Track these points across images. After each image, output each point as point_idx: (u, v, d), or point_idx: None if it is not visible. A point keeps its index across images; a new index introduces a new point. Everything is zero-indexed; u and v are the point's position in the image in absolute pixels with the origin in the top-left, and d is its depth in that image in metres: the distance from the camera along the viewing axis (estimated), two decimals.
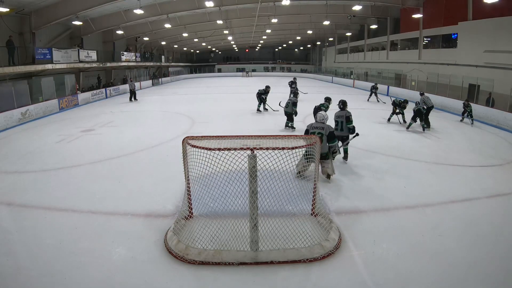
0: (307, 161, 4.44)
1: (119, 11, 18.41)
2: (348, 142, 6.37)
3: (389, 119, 10.81)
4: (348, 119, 6.21)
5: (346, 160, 6.53)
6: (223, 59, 50.03)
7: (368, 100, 16.48)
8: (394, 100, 10.66)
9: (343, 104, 6.50)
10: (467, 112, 10.81)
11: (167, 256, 3.45)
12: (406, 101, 10.45)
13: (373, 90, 16.39)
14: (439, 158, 6.87)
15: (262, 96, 12.67)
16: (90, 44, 19.62)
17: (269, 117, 11.70)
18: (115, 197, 4.96)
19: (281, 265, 3.29)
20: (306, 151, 4.41)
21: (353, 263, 3.35)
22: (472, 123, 10.65)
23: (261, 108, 12.89)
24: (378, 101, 16.07)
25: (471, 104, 10.97)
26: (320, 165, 5.09)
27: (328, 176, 5.46)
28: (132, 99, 17.52)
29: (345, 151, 6.55)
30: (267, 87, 12.84)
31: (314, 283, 3.08)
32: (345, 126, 6.23)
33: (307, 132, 5.55)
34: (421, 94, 10.62)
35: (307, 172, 5.17)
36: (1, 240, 3.81)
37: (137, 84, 25.02)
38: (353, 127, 6.23)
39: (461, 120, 11.23)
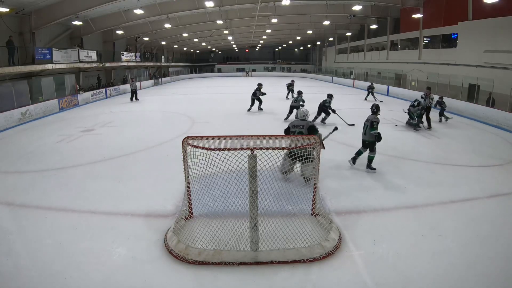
0: (293, 161, 4.39)
1: (119, 11, 18.40)
2: (327, 136, 6.17)
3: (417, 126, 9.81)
4: (372, 124, 5.79)
5: (374, 169, 6.06)
6: (223, 59, 50.02)
7: (365, 99, 16.70)
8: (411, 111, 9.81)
9: (376, 108, 6.02)
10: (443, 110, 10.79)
11: (167, 256, 3.45)
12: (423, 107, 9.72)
13: (370, 90, 16.66)
14: (439, 158, 6.87)
15: (256, 95, 12.72)
16: (90, 44, 19.61)
17: (269, 117, 11.70)
18: (115, 197, 4.96)
19: (281, 265, 3.29)
20: (290, 151, 4.31)
21: (353, 263, 3.35)
22: (446, 119, 10.76)
23: (256, 107, 12.98)
24: (375, 100, 16.22)
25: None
26: (301, 167, 4.95)
27: (306, 179, 4.86)
28: (133, 99, 17.54)
29: (370, 160, 6.06)
30: (259, 84, 12.92)
31: (314, 283, 3.08)
32: (369, 132, 5.87)
33: (287, 130, 5.46)
34: (428, 89, 10.33)
35: (292, 174, 5.03)
36: (1, 240, 3.81)
37: (137, 84, 25.10)
38: (378, 133, 5.81)
39: (444, 120, 10.80)
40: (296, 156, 4.16)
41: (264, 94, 12.85)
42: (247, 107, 13.01)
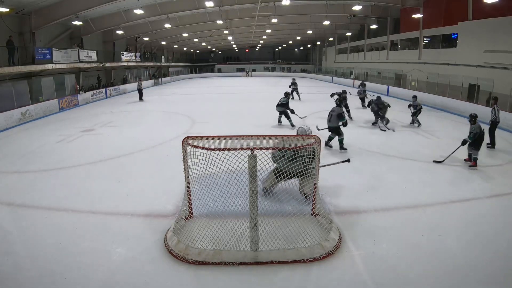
0: (277, 179, 4.13)
1: (119, 11, 18.39)
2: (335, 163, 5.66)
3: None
4: (339, 116, 7.16)
5: (346, 149, 7.34)
6: (223, 59, 49.99)
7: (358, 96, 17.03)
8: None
9: (339, 101, 7.61)
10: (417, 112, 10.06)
11: (167, 256, 3.45)
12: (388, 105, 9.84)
13: (361, 87, 16.78)
14: (439, 158, 6.87)
15: (285, 107, 9.85)
16: (90, 44, 19.61)
17: (269, 118, 11.68)
18: (115, 197, 4.96)
19: (281, 265, 3.29)
20: (276, 168, 4.08)
21: (353, 263, 3.35)
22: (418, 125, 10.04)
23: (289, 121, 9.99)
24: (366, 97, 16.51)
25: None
26: (299, 182, 4.45)
27: (305, 196, 4.45)
28: (141, 98, 17.88)
29: (341, 142, 7.33)
30: (287, 94, 10.24)
31: (314, 283, 3.08)
32: (334, 119, 7.18)
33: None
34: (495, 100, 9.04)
35: (275, 189, 4.53)
36: (1, 240, 3.81)
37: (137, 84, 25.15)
38: (345, 121, 7.23)
39: (411, 123, 10.24)
40: (283, 175, 3.78)
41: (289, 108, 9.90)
42: (247, 106, 12.92)
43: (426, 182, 5.55)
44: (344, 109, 9.96)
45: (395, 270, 3.23)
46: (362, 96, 14.68)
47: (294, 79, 17.79)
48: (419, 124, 10.07)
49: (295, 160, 3.88)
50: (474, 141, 6.23)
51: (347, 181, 5.57)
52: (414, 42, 20.74)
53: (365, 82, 17.42)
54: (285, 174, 3.88)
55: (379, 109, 9.76)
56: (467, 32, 15.56)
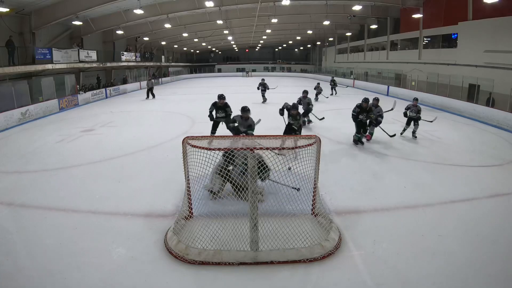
0: (223, 180, 3.99)
1: (119, 11, 18.39)
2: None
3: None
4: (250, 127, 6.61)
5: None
6: (223, 59, 49.99)
7: (332, 94, 17.91)
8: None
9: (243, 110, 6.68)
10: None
11: (167, 256, 3.45)
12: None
13: (331, 84, 16.66)
14: (439, 158, 6.87)
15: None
16: (90, 44, 19.61)
17: (270, 118, 11.68)
18: (115, 197, 4.95)
19: (281, 265, 3.29)
20: (220, 167, 4.02)
21: (353, 263, 3.35)
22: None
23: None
24: (334, 94, 17.28)
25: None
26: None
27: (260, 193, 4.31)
28: (152, 97, 18.07)
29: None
30: (221, 97, 8.00)
31: (314, 283, 3.08)
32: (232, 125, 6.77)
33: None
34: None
35: (222, 193, 4.37)
36: (1, 240, 3.81)
37: (137, 84, 25.17)
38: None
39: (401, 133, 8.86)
40: (227, 176, 3.70)
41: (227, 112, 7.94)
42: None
43: (426, 182, 5.55)
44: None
45: (395, 270, 3.23)
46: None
47: (263, 79, 15.95)
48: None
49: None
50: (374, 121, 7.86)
51: (347, 181, 5.57)
52: (414, 42, 20.73)
53: (334, 78, 18.18)
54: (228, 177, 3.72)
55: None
56: (467, 32, 15.56)
